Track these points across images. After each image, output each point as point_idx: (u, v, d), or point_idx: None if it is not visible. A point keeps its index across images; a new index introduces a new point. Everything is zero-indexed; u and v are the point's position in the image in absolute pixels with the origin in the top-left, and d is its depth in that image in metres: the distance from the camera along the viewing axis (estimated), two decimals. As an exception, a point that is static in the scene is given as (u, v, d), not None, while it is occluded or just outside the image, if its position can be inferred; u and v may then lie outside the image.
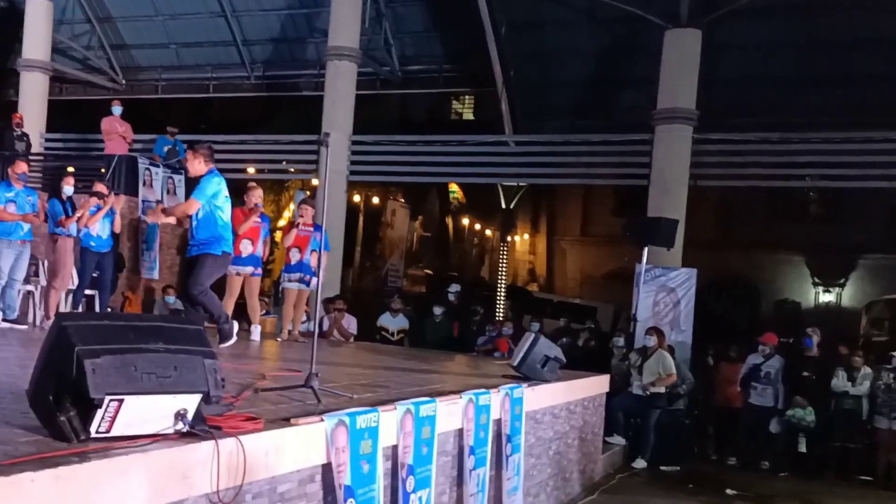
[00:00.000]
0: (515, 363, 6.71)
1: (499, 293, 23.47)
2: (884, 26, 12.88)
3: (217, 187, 6.49)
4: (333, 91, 14.58)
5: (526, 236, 28.79)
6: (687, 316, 11.35)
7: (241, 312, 8.87)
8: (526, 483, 6.13)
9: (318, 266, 7.12)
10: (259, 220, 8.48)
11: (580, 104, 15.88)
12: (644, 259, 11.28)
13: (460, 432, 5.00)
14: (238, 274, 8.29)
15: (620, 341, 11.13)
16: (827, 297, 24.29)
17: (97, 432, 2.69)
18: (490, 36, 15.29)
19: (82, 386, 2.59)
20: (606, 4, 13.44)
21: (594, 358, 10.78)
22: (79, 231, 8.61)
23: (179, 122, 15.95)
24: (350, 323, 10.79)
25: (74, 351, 2.62)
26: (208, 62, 18.66)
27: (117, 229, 9.15)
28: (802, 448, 9.86)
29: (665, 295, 11.44)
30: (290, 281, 9.00)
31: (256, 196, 8.48)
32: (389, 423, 4.11)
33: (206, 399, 2.96)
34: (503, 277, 24.40)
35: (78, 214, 8.52)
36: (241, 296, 8.48)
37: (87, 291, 9.13)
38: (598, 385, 8.35)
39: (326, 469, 3.65)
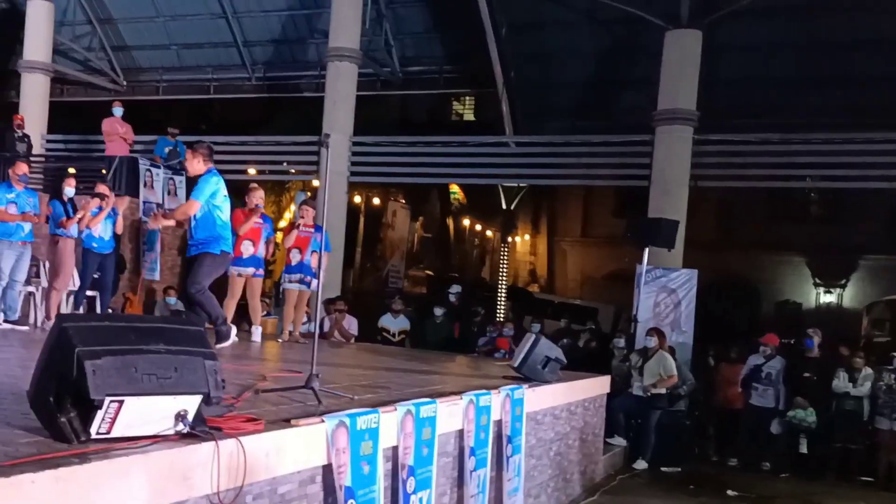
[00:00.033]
0: (516, 364, 6.71)
1: (499, 294, 23.48)
2: (884, 27, 12.88)
3: (215, 187, 6.50)
4: (334, 92, 14.58)
5: (527, 237, 28.80)
6: (688, 317, 11.34)
7: (243, 313, 8.90)
8: (527, 484, 6.13)
9: (319, 267, 7.14)
10: (260, 220, 8.50)
11: (581, 105, 15.88)
12: (645, 260, 11.28)
13: (461, 433, 4.99)
14: (240, 275, 8.31)
15: (621, 342, 11.12)
16: (828, 298, 24.29)
17: (97, 433, 2.69)
18: (490, 37, 15.30)
19: (83, 387, 2.59)
20: (607, 5, 13.44)
21: (595, 359, 10.78)
22: (81, 232, 8.63)
23: (180, 124, 15.95)
24: (351, 324, 10.79)
25: (75, 352, 2.62)
26: (209, 63, 18.68)
27: (119, 231, 9.17)
28: (803, 449, 9.84)
29: (666, 296, 11.44)
30: (290, 282, 9.01)
31: (257, 197, 8.49)
32: (390, 424, 4.11)
33: (207, 400, 2.96)
34: (504, 278, 24.40)
35: (79, 215, 8.53)
36: (243, 297, 8.50)
37: (89, 293, 9.14)
38: (598, 386, 8.35)
39: (327, 470, 3.65)
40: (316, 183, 17.33)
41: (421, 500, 4.38)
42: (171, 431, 2.86)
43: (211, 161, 6.55)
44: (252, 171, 16.22)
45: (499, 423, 5.57)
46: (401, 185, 22.48)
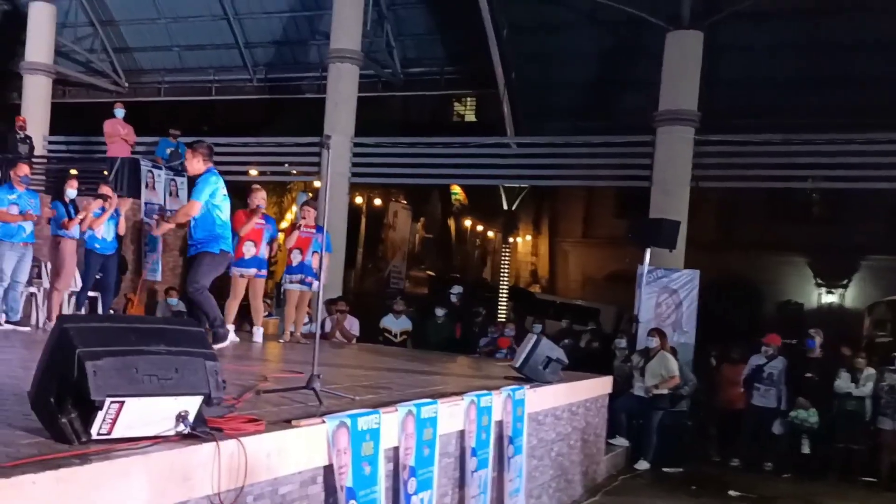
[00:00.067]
0: (518, 364, 6.70)
1: (501, 295, 23.46)
2: (885, 28, 12.89)
3: (214, 186, 6.50)
4: (335, 93, 14.59)
5: (528, 238, 28.78)
6: (689, 317, 11.33)
7: (244, 314, 8.90)
8: (528, 485, 6.13)
9: (320, 268, 7.14)
10: (262, 221, 8.51)
11: (582, 106, 15.88)
12: (646, 260, 11.28)
13: (462, 434, 4.99)
14: (242, 276, 8.31)
15: (623, 343, 11.12)
16: (829, 299, 24.28)
17: (98, 434, 2.69)
18: (492, 38, 15.31)
19: (83, 388, 2.59)
20: (608, 6, 13.46)
21: (596, 359, 10.76)
22: (83, 233, 8.65)
23: (182, 125, 15.94)
24: (352, 324, 10.79)
25: (76, 353, 2.62)
26: (211, 65, 18.71)
27: (122, 231, 9.19)
28: (806, 449, 9.83)
29: (667, 296, 11.43)
30: (291, 282, 9.01)
31: (259, 198, 8.50)
32: (391, 425, 4.10)
33: (208, 401, 2.96)
34: (505, 279, 24.38)
35: (81, 216, 8.55)
36: (245, 297, 8.50)
37: (91, 293, 9.15)
38: (600, 386, 8.34)
39: (328, 471, 3.65)
40: (317, 184, 17.33)
41: (422, 500, 4.37)
42: (172, 432, 2.86)
43: (211, 161, 6.56)
44: (254, 172, 16.24)
45: (500, 424, 5.56)
46: (402, 186, 22.47)
